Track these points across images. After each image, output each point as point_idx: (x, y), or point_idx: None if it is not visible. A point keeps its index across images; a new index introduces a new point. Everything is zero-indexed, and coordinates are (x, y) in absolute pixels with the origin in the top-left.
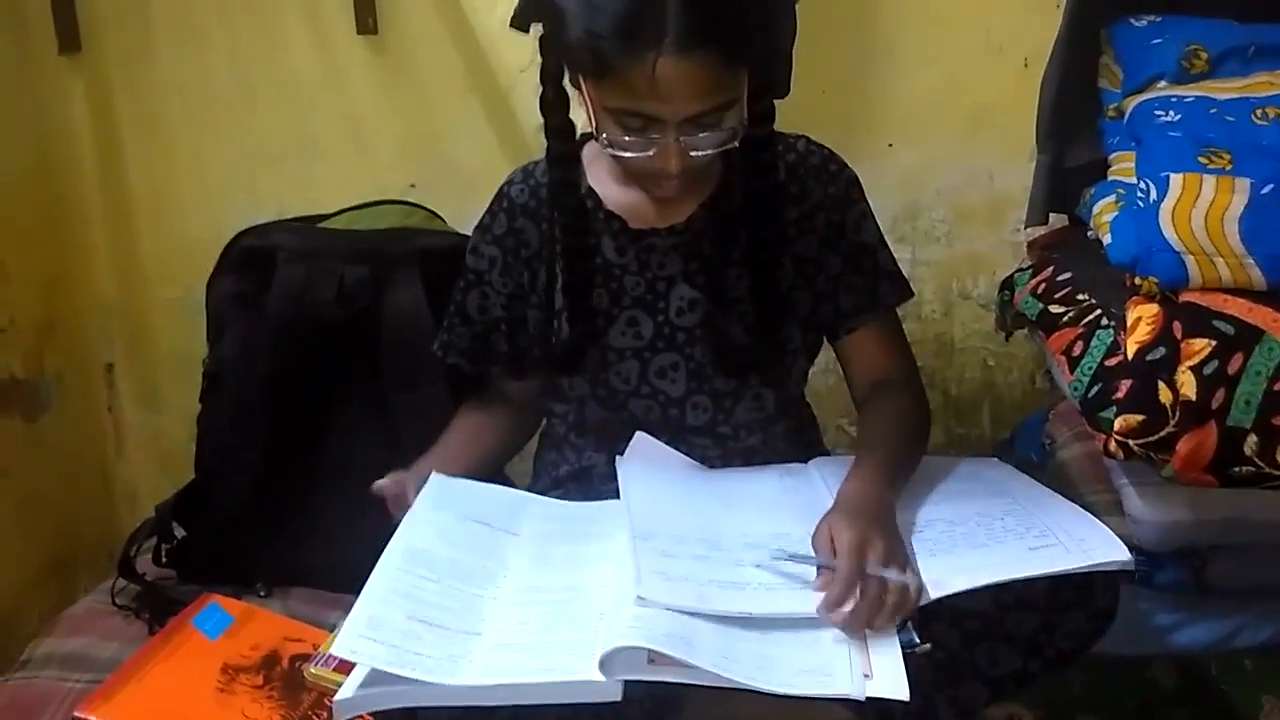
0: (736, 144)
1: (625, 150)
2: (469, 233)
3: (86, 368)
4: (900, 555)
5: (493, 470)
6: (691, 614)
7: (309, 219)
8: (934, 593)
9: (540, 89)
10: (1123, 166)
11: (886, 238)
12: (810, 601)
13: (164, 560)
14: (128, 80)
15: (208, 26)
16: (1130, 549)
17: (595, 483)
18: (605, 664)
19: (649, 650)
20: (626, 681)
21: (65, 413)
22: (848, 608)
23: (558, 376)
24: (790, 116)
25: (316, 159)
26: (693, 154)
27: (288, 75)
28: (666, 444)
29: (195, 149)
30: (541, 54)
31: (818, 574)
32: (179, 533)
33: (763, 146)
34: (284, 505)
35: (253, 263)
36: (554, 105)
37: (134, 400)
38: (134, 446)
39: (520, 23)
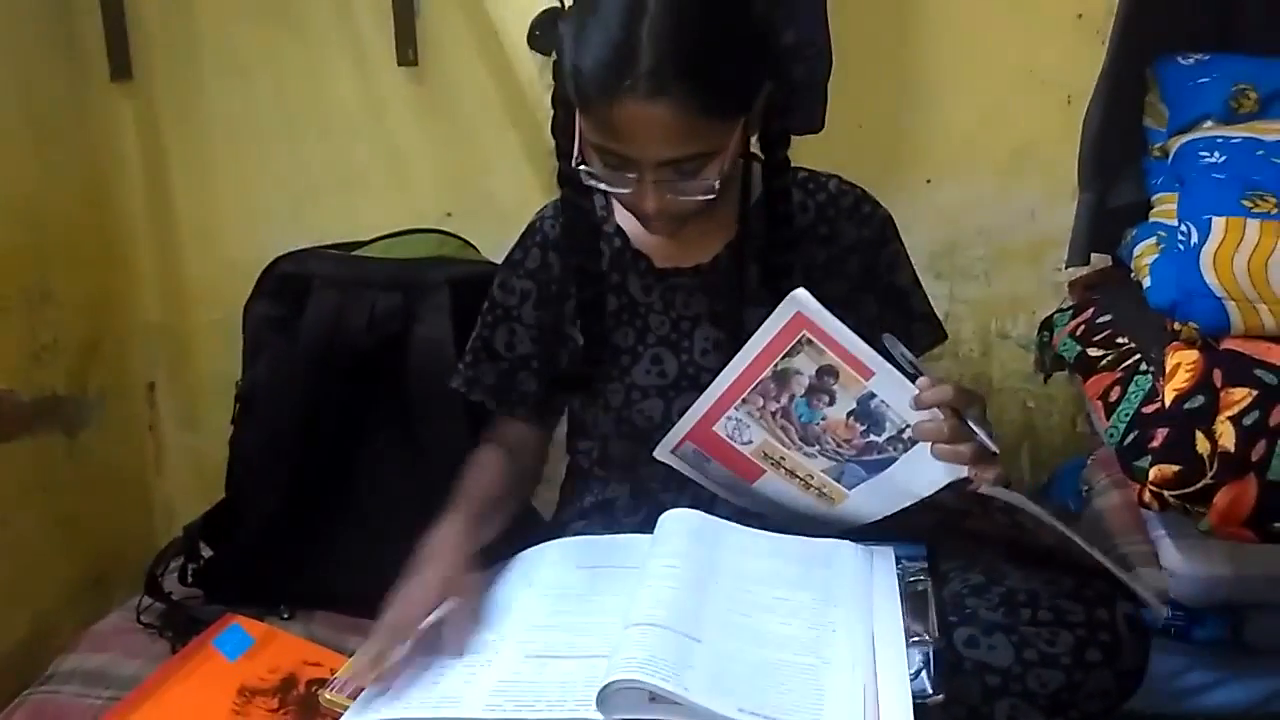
0: (713, 196)
1: (603, 184)
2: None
3: (129, 387)
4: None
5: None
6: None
7: (345, 246)
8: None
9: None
10: (1164, 208)
11: (924, 275)
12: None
13: (190, 580)
14: (176, 108)
15: (253, 57)
16: (1167, 603)
17: (619, 515)
18: (603, 703)
19: (649, 690)
20: None
21: (107, 431)
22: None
23: (570, 396)
24: (827, 151)
25: (356, 187)
26: (669, 197)
27: (329, 105)
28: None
29: (239, 176)
30: (553, 78)
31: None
32: (206, 553)
33: (779, 199)
34: (310, 529)
35: (288, 288)
36: (564, 128)
37: (174, 420)
38: (173, 465)
39: (535, 44)
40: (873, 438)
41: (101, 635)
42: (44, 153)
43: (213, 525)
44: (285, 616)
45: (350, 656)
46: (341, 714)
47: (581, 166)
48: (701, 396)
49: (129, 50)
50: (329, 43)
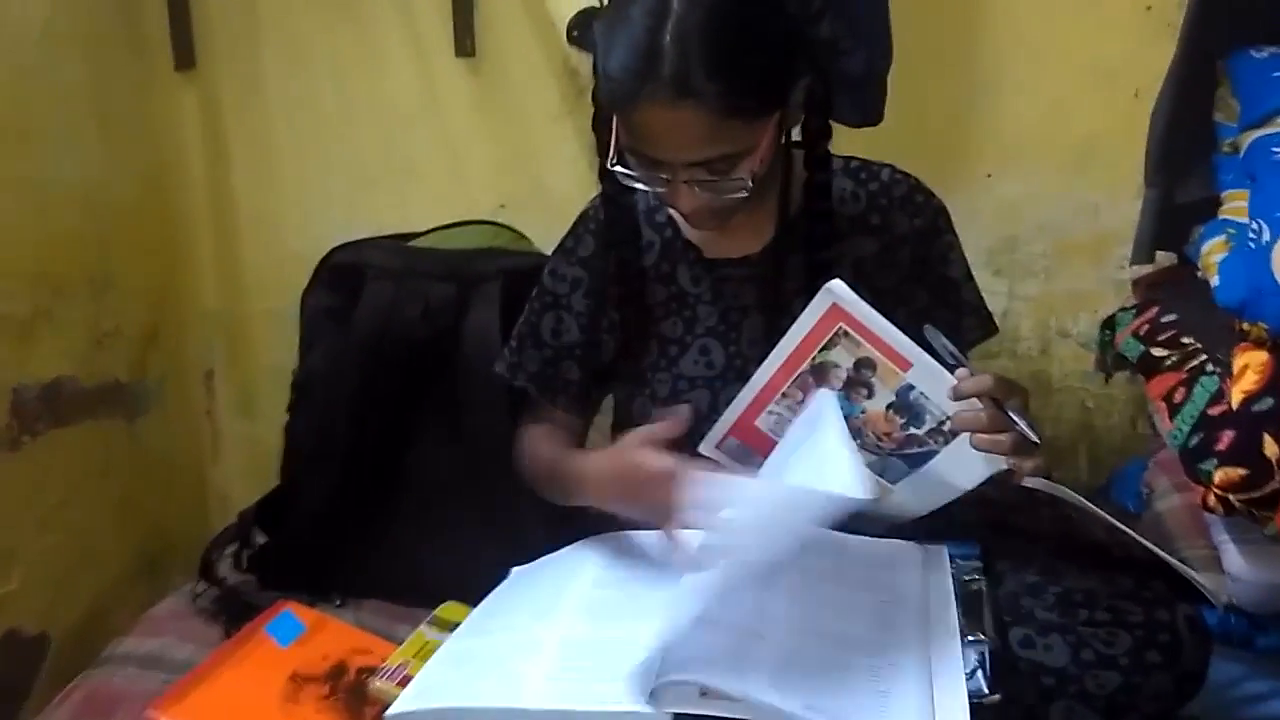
0: (746, 195)
1: (638, 183)
2: None
3: (187, 374)
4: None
5: None
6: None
7: (400, 237)
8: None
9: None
10: (1235, 205)
11: (983, 270)
12: None
13: (244, 565)
14: (237, 97)
15: (313, 48)
16: (1230, 610)
17: None
18: (655, 696)
19: (702, 683)
20: (677, 715)
21: (165, 417)
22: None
23: (615, 386)
24: (887, 143)
25: (412, 178)
26: (703, 196)
27: (387, 96)
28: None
29: (298, 166)
30: (593, 75)
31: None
32: (260, 539)
33: (818, 195)
34: (362, 517)
35: (343, 278)
36: (603, 124)
37: (231, 407)
38: (229, 452)
39: (574, 42)
40: (913, 430)
41: (157, 619)
42: (108, 140)
43: (267, 512)
44: (337, 604)
45: (399, 645)
46: (390, 702)
47: (617, 167)
48: (742, 391)
49: (193, 40)
50: (388, 33)
